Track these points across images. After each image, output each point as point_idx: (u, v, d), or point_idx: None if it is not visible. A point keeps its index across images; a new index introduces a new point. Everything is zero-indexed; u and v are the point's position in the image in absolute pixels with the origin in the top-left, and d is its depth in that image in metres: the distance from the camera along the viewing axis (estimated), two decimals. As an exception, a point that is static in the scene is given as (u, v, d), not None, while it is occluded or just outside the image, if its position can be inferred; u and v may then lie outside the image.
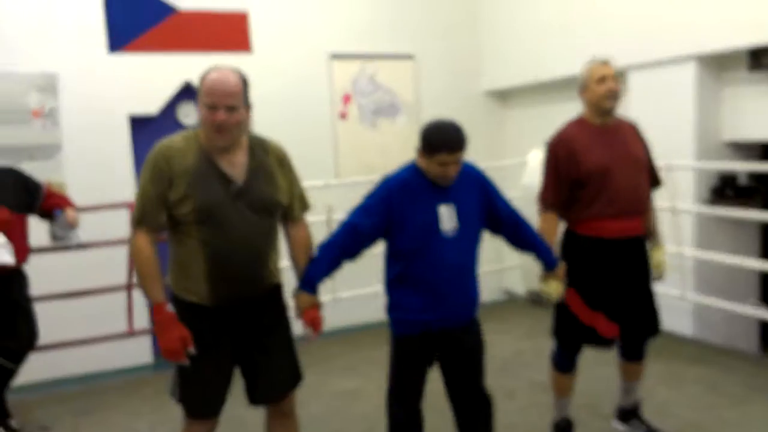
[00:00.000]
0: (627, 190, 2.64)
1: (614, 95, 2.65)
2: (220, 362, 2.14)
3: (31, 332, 3.36)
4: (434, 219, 2.21)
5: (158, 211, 2.04)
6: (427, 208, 2.22)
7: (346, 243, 2.26)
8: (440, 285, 2.24)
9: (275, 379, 2.21)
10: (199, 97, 2.05)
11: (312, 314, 2.25)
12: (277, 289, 2.25)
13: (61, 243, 3.43)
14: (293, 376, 2.28)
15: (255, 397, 2.24)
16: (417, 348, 2.31)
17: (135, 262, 2.08)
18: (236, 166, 2.09)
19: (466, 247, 2.28)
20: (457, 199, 2.26)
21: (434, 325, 2.27)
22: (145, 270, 2.05)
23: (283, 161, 2.22)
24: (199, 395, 2.14)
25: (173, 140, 2.09)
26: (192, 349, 2.04)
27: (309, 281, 2.25)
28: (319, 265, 2.26)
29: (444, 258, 2.22)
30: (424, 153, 2.23)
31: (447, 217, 2.22)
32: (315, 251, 2.29)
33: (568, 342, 2.78)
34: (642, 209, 2.72)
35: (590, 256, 2.66)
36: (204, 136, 2.08)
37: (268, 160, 2.16)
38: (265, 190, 2.12)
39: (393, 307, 2.34)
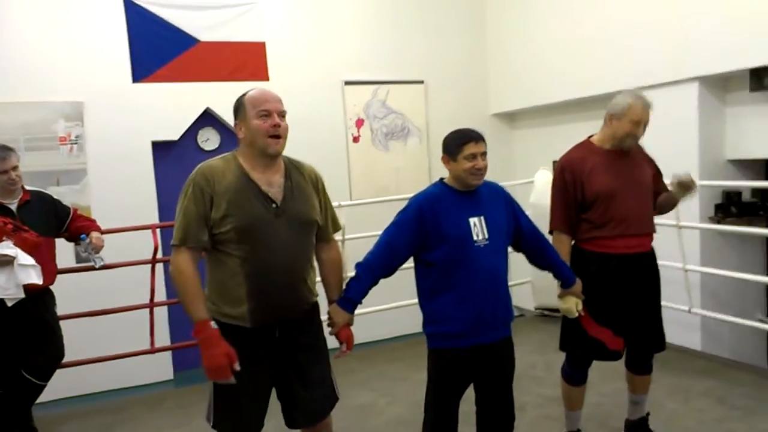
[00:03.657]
0: (632, 212, 2.71)
1: (638, 138, 2.72)
2: (258, 386, 2.15)
3: (57, 350, 3.47)
4: (466, 230, 2.29)
5: (201, 230, 2.06)
6: (458, 220, 2.30)
7: (384, 261, 2.35)
8: (475, 295, 2.28)
9: (312, 403, 2.23)
10: (244, 113, 2.12)
11: (347, 332, 2.33)
12: (314, 307, 2.28)
13: (87, 263, 3.59)
14: (329, 399, 2.30)
15: (292, 420, 2.26)
16: (456, 363, 2.34)
17: (177, 281, 2.07)
18: (274, 185, 2.14)
19: (496, 257, 2.34)
20: (485, 211, 2.34)
21: (472, 339, 2.31)
22: (188, 288, 2.04)
23: (317, 183, 2.29)
24: (236, 419, 2.14)
25: (212, 162, 2.16)
26: (237, 366, 2.02)
27: (350, 300, 2.32)
28: (360, 285, 2.33)
29: (477, 267, 2.28)
30: (450, 156, 2.33)
31: (478, 229, 2.30)
32: (354, 271, 2.36)
33: (577, 355, 2.86)
34: (647, 230, 2.79)
35: (597, 271, 2.73)
36: (246, 154, 2.13)
37: (303, 181, 2.23)
38: (302, 208, 2.18)
39: (430, 321, 2.37)
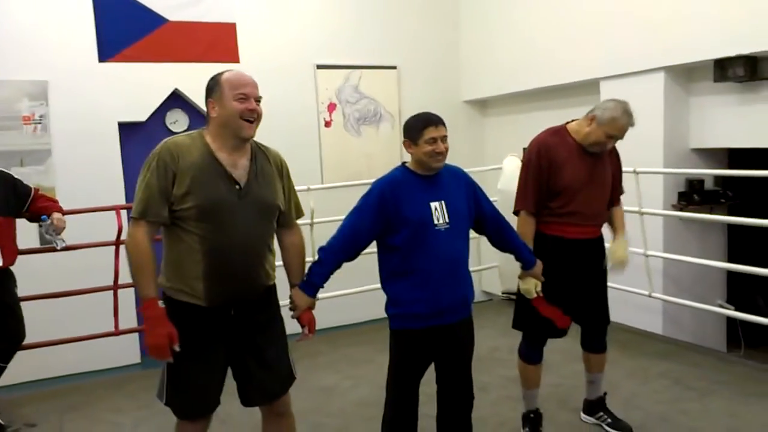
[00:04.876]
0: (592, 208, 2.79)
1: (605, 149, 2.76)
2: (212, 363, 2.15)
3: (17, 331, 3.43)
4: (427, 214, 2.31)
5: (161, 205, 2.04)
6: (419, 204, 2.32)
7: (346, 246, 2.36)
8: (436, 277, 2.32)
9: (267, 382, 2.23)
10: (220, 93, 2.09)
11: (309, 315, 2.35)
12: (271, 289, 2.27)
13: (49, 245, 3.54)
14: (286, 378, 2.30)
15: (248, 399, 2.26)
16: (417, 343, 2.38)
17: (131, 255, 2.06)
18: (239, 167, 2.13)
19: (457, 241, 2.37)
20: (446, 196, 2.36)
21: (433, 320, 2.35)
22: (141, 264, 2.04)
23: (282, 169, 2.28)
24: (189, 396, 2.14)
25: (178, 138, 2.14)
26: (177, 347, 2.03)
27: (312, 284, 2.33)
28: (322, 269, 2.34)
29: (438, 251, 2.31)
30: (412, 140, 2.34)
31: (438, 213, 2.33)
32: (317, 255, 2.37)
33: (531, 334, 2.92)
34: (601, 222, 2.90)
35: (551, 253, 2.78)
36: (216, 134, 2.11)
37: (268, 166, 2.23)
38: (265, 193, 2.17)
39: (392, 303, 2.40)
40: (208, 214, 2.06)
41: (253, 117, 2.12)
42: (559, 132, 2.84)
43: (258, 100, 2.14)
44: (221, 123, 2.11)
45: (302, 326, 2.36)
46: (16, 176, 3.52)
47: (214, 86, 2.13)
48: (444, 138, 2.34)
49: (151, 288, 2.05)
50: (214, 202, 2.06)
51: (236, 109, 2.08)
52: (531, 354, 2.95)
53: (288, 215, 2.32)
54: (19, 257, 3.47)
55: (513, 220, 2.75)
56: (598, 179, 2.80)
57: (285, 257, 2.39)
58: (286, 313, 2.35)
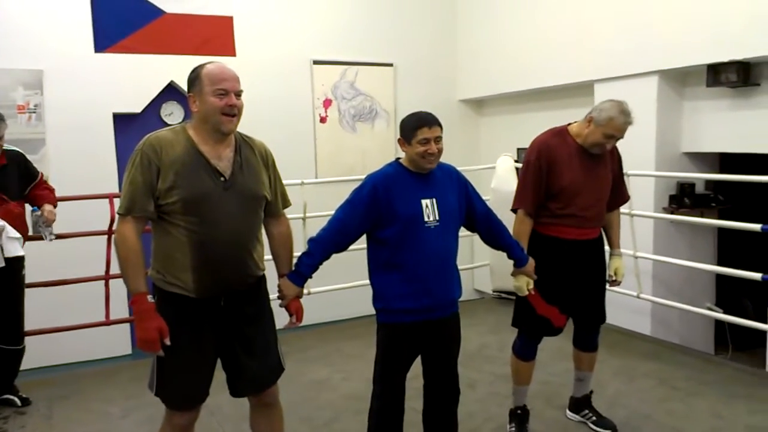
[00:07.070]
0: (590, 210, 2.81)
1: (606, 149, 2.78)
2: (202, 354, 2.16)
3: (18, 314, 3.47)
4: (418, 211, 2.33)
5: (147, 200, 2.05)
6: (411, 200, 2.34)
7: (336, 238, 2.38)
8: (424, 273, 2.34)
9: (256, 373, 2.25)
10: (200, 88, 2.09)
11: (297, 304, 2.37)
12: (261, 280, 2.29)
13: (39, 234, 3.57)
14: (275, 369, 2.32)
15: (236, 390, 2.28)
16: (403, 337, 2.40)
17: (119, 250, 2.07)
18: (223, 159, 2.13)
19: (446, 238, 2.40)
20: (438, 194, 2.39)
21: (420, 315, 2.37)
22: (129, 259, 2.05)
23: (267, 159, 2.29)
24: (179, 387, 2.16)
25: (161, 132, 2.14)
26: (168, 341, 2.05)
27: (300, 274, 2.36)
28: (311, 260, 2.36)
29: (427, 247, 2.33)
30: (406, 139, 2.36)
31: (429, 210, 2.35)
32: (306, 246, 2.39)
33: (528, 331, 2.95)
34: (599, 224, 2.92)
35: (549, 253, 2.81)
36: (198, 127, 2.12)
37: (253, 157, 2.23)
38: (250, 184, 2.17)
39: (379, 297, 2.43)
40: (193, 207, 2.06)
41: (233, 112, 2.11)
42: (561, 133, 2.86)
43: (238, 94, 2.13)
44: (201, 118, 2.12)
45: (290, 314, 2.38)
46: (27, 158, 3.52)
47: (194, 80, 2.13)
48: (438, 139, 2.34)
49: (140, 283, 2.06)
50: (199, 194, 2.07)
51: (216, 105, 2.08)
52: (525, 351, 2.97)
53: (275, 205, 2.33)
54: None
55: (507, 219, 2.76)
56: (597, 182, 2.82)
57: (272, 247, 2.40)
58: (275, 306, 2.36)
